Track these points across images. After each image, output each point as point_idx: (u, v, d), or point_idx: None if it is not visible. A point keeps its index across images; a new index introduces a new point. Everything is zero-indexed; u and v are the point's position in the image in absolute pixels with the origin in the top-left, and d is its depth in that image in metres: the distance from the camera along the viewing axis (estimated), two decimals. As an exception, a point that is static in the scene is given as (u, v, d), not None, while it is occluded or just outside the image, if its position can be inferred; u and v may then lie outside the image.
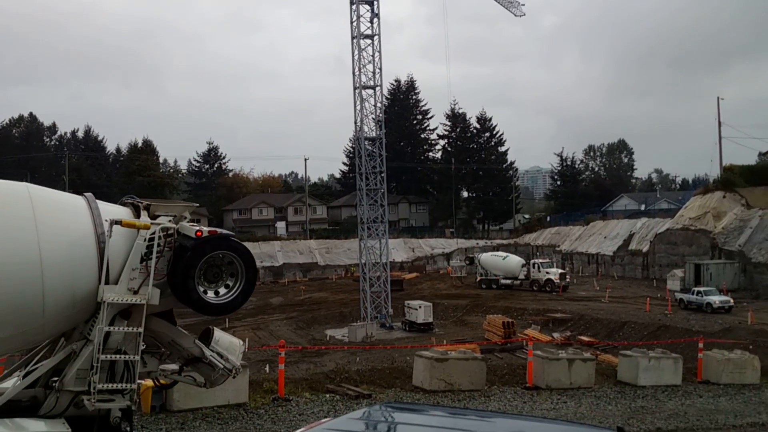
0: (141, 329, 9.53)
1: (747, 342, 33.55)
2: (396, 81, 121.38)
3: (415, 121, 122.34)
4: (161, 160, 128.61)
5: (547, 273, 64.15)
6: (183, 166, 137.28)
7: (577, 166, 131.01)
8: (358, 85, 53.11)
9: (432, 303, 51.29)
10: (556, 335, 42.39)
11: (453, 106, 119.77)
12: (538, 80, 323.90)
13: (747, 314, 43.33)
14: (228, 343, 10.85)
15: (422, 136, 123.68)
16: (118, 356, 9.47)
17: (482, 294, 62.64)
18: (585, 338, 41.09)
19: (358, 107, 53.51)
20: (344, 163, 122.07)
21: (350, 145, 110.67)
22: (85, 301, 9.33)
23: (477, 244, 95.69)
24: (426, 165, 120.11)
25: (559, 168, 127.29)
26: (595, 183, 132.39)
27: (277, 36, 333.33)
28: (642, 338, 38.96)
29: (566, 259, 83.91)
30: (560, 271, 66.07)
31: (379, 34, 53.22)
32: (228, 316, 33.54)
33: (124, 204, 10.33)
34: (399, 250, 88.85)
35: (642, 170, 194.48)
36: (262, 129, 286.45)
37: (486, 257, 70.55)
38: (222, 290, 10.19)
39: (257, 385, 16.94)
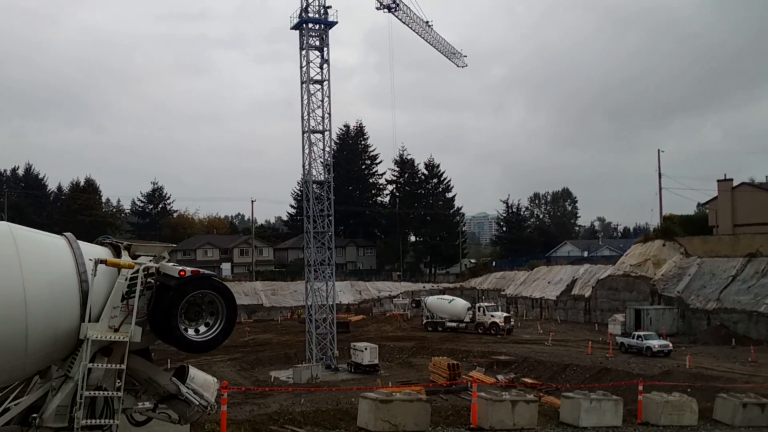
0: (123, 366, 9.73)
1: (685, 385, 34.26)
2: (345, 126, 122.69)
3: (363, 166, 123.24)
4: (104, 200, 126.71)
5: (492, 316, 64.67)
6: (126, 205, 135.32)
7: (522, 213, 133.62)
8: (307, 129, 53.37)
9: (378, 345, 51.17)
10: (500, 377, 42.64)
11: (401, 152, 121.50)
12: (486, 128, 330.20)
13: (685, 358, 44.26)
14: (203, 381, 11.07)
15: (371, 180, 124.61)
16: (102, 392, 9.61)
17: (428, 336, 62.75)
18: (528, 380, 41.39)
19: (307, 151, 53.70)
20: (292, 206, 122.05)
21: (298, 188, 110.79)
22: (66, 338, 9.46)
23: (424, 287, 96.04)
24: (374, 209, 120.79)
25: (505, 215, 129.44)
26: (539, 230, 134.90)
27: (226, 78, 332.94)
28: (584, 380, 39.48)
29: (511, 303, 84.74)
30: (505, 314, 66.63)
31: (328, 80, 53.80)
32: (170, 357, 32.93)
33: (101, 243, 10.58)
34: (346, 292, 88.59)
35: (585, 218, 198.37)
36: (209, 171, 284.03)
37: (432, 300, 70.87)
38: (202, 328, 10.50)
39: (199, 426, 16.66)
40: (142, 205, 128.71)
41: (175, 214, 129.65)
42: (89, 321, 9.51)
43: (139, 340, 9.84)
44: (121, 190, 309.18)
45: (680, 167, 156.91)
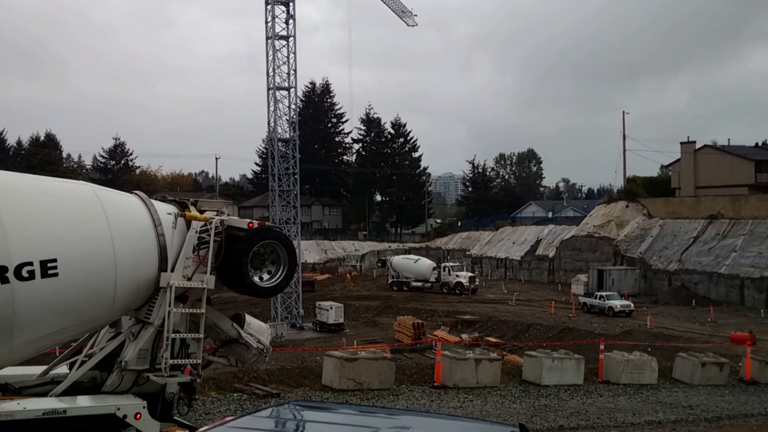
0: (203, 310, 10.82)
1: (646, 344, 34.86)
2: (311, 84, 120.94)
3: (329, 125, 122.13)
4: (65, 155, 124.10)
5: (457, 276, 65.07)
6: (88, 161, 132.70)
7: (488, 173, 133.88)
8: (272, 86, 52.41)
9: (343, 304, 51.18)
10: (464, 336, 42.98)
11: (368, 111, 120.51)
12: (453, 88, 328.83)
13: (646, 318, 45.04)
14: (257, 326, 12.15)
15: (336, 139, 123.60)
16: (187, 335, 10.67)
17: (393, 296, 62.98)
18: (492, 339, 41.80)
19: (272, 108, 52.80)
20: (257, 164, 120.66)
21: (263, 145, 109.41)
22: (146, 287, 10.49)
23: (389, 247, 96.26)
24: (340, 168, 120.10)
25: (470, 175, 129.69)
26: (505, 190, 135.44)
27: (187, 33, 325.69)
28: (546, 340, 39.98)
29: (476, 263, 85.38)
30: (470, 274, 67.09)
31: (294, 36, 52.69)
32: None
33: (165, 200, 11.49)
34: (311, 251, 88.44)
35: (550, 179, 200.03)
36: (172, 127, 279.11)
37: (398, 260, 71.01)
38: (265, 276, 11.48)
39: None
40: (104, 161, 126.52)
41: (137, 171, 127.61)
42: (164, 271, 10.45)
43: (213, 287, 10.87)
44: (83, 146, 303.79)
45: (645, 129, 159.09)
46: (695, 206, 65.74)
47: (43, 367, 11.38)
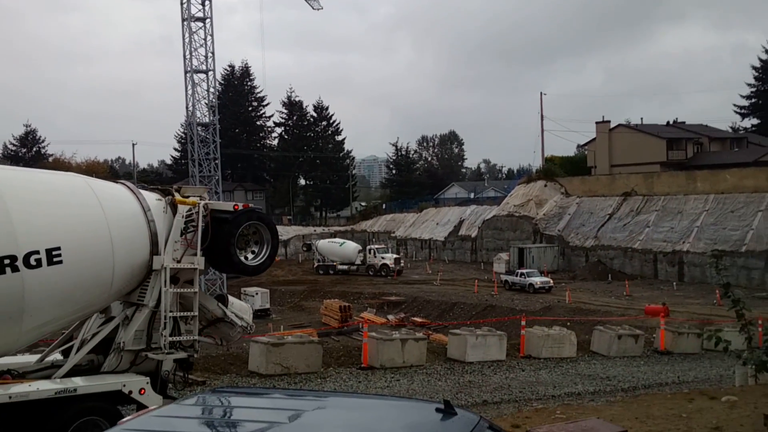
0: (197, 289, 11.47)
1: (565, 319, 35.91)
2: (230, 66, 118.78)
3: (250, 108, 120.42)
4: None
5: (383, 258, 65.51)
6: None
7: (411, 155, 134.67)
8: (189, 69, 51.40)
9: (269, 289, 50.91)
10: (390, 317, 43.44)
11: (289, 94, 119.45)
12: (374, 70, 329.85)
13: (565, 293, 46.38)
14: (240, 306, 12.78)
15: (258, 123, 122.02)
16: (186, 312, 11.30)
17: (320, 279, 63.02)
18: (418, 319, 42.37)
19: (190, 92, 51.83)
20: (176, 149, 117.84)
21: (182, 130, 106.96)
22: (139, 271, 11.03)
23: (314, 231, 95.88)
24: (262, 152, 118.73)
25: (394, 157, 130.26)
26: (428, 172, 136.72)
27: (97, 16, 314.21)
28: (470, 317, 40.74)
29: (401, 245, 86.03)
30: (395, 256, 67.68)
31: (211, 18, 51.76)
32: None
33: (147, 188, 11.91)
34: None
35: (472, 160, 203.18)
36: (85, 112, 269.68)
37: (323, 244, 70.94)
38: (249, 255, 12.11)
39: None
40: (14, 148, 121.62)
41: (50, 158, 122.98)
42: (156, 254, 11.00)
43: (202, 267, 11.45)
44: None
45: (562, 109, 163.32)
46: (610, 184, 67.86)
47: (36, 356, 11.92)
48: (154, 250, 11.04)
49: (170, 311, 11.06)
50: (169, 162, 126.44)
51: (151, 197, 11.39)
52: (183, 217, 11.34)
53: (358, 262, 66.68)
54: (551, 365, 21.10)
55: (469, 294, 50.38)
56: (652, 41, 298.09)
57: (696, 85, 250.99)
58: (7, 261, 9.39)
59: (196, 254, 11.34)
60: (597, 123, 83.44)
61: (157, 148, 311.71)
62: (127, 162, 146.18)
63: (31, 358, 11.84)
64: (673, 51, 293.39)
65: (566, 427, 10.08)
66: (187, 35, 51.20)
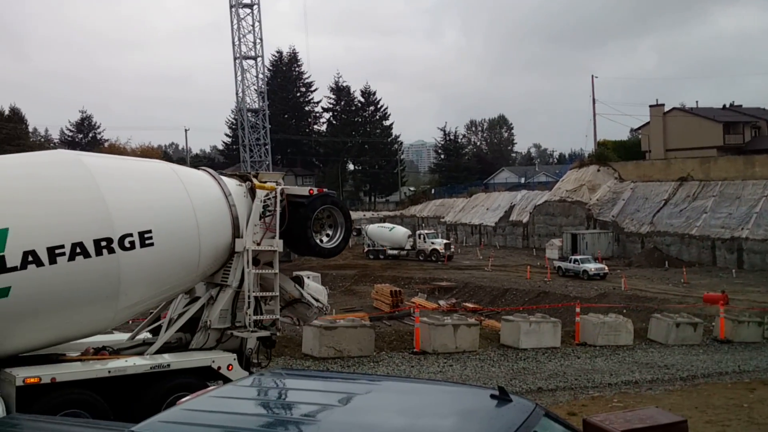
0: (277, 270, 11.89)
1: (621, 306, 35.32)
2: (278, 52, 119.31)
3: (299, 94, 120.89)
4: (31, 129, 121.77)
5: (433, 243, 65.21)
6: (55, 135, 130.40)
7: (459, 140, 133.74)
8: (238, 55, 51.79)
9: (320, 273, 51.01)
10: (441, 302, 43.15)
11: (337, 80, 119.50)
12: (421, 54, 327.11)
13: (620, 280, 45.57)
14: (315, 287, 13.23)
15: (306, 108, 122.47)
16: (269, 293, 11.76)
17: (370, 264, 63.05)
18: (469, 305, 42.04)
19: (239, 78, 52.32)
20: (227, 135, 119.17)
21: (232, 116, 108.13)
22: (222, 253, 11.53)
23: (364, 215, 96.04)
24: (311, 138, 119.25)
25: (442, 142, 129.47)
26: (477, 157, 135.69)
27: (146, 3, 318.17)
28: (523, 304, 40.32)
29: (450, 230, 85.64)
30: (445, 241, 67.30)
31: (258, 4, 51.94)
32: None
33: (226, 175, 12.33)
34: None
35: (521, 145, 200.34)
36: (138, 99, 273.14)
37: (373, 228, 71.00)
38: (324, 238, 12.55)
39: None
40: (71, 134, 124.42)
41: (106, 144, 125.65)
42: (239, 237, 11.49)
43: (281, 250, 11.83)
44: (49, 120, 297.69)
45: (614, 92, 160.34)
46: (665, 169, 66.32)
47: (127, 334, 12.55)
48: (236, 233, 11.50)
49: (252, 291, 11.47)
50: (221, 147, 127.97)
51: (231, 183, 11.85)
52: (261, 201, 11.73)
53: (407, 247, 66.55)
54: (607, 353, 20.70)
55: (521, 280, 49.87)
56: (706, 22, 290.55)
57: (753, 67, 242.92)
58: (103, 243, 9.89)
59: (274, 237, 11.74)
60: (651, 106, 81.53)
61: (209, 134, 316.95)
62: (180, 147, 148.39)
63: (122, 336, 12.40)
64: (728, 32, 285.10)
65: (624, 416, 9.78)
66: (235, 21, 51.61)
